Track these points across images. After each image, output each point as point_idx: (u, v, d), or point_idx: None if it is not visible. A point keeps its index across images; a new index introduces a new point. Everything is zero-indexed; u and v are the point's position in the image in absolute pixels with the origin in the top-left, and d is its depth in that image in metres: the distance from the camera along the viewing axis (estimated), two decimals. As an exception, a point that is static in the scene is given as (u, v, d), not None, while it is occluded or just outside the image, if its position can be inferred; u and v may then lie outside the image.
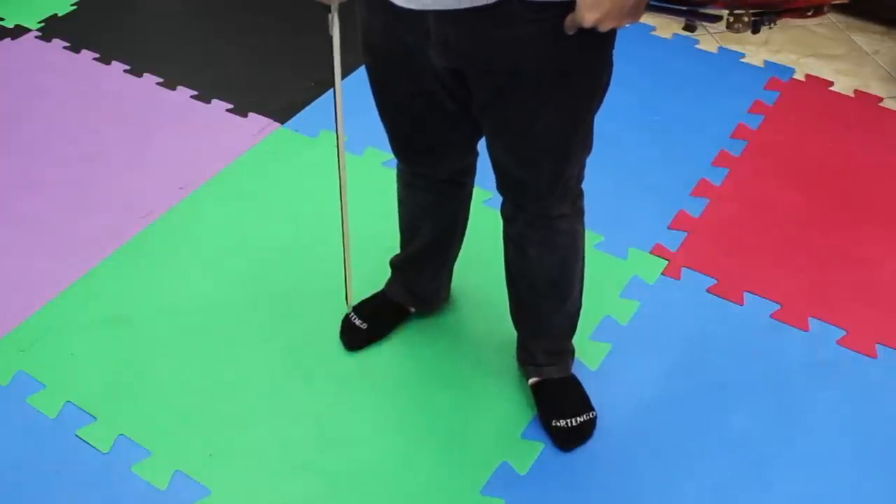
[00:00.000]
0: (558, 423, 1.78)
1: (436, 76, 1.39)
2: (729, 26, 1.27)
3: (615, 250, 2.18)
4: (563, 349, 1.82)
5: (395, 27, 1.35)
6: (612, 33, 1.31)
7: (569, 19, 1.22)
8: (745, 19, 1.25)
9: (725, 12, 1.27)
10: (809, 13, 1.29)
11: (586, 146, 1.50)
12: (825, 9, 1.29)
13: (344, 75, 1.61)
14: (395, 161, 1.73)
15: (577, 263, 1.70)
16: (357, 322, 1.94)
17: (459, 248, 1.91)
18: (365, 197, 2.20)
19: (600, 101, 1.43)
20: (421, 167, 1.70)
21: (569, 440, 1.78)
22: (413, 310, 1.99)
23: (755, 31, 1.28)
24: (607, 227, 2.22)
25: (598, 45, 1.31)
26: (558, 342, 1.81)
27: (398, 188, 1.80)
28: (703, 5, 1.28)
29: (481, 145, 1.60)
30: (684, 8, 1.29)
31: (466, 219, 1.85)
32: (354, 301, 1.99)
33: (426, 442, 1.79)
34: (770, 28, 1.28)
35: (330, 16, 1.51)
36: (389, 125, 1.59)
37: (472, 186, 1.80)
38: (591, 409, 1.81)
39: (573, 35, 1.24)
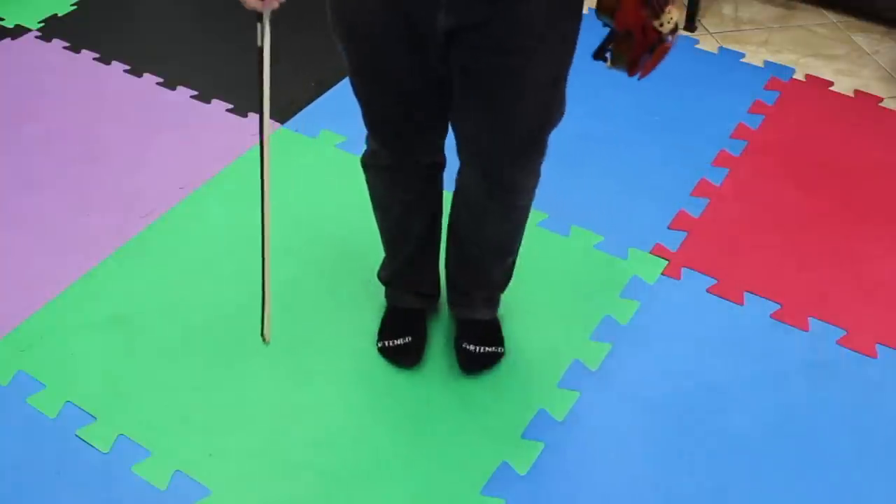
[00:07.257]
0: (468, 347, 1.86)
1: (435, 43, 1.40)
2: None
3: (615, 250, 2.18)
4: (498, 296, 1.91)
5: None
6: None
7: None
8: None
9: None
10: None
11: (561, 107, 1.53)
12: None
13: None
14: None
15: (523, 228, 1.75)
16: (399, 342, 1.92)
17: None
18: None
19: (573, 54, 1.47)
20: (404, 152, 1.68)
21: (471, 363, 1.86)
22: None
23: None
24: (607, 227, 2.22)
25: None
26: (496, 291, 1.89)
27: (379, 195, 1.78)
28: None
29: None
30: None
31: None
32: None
33: (426, 442, 1.79)
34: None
35: (259, 24, 1.34)
36: (376, 108, 1.57)
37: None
38: (502, 345, 1.89)
39: None
